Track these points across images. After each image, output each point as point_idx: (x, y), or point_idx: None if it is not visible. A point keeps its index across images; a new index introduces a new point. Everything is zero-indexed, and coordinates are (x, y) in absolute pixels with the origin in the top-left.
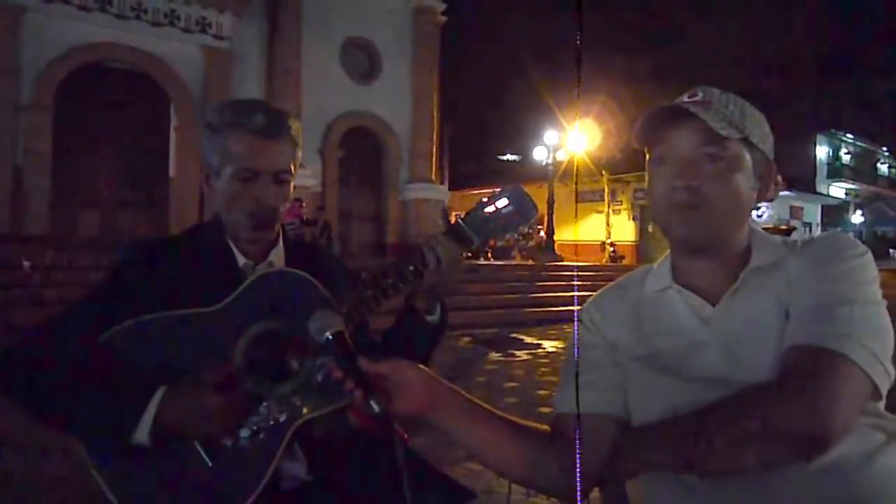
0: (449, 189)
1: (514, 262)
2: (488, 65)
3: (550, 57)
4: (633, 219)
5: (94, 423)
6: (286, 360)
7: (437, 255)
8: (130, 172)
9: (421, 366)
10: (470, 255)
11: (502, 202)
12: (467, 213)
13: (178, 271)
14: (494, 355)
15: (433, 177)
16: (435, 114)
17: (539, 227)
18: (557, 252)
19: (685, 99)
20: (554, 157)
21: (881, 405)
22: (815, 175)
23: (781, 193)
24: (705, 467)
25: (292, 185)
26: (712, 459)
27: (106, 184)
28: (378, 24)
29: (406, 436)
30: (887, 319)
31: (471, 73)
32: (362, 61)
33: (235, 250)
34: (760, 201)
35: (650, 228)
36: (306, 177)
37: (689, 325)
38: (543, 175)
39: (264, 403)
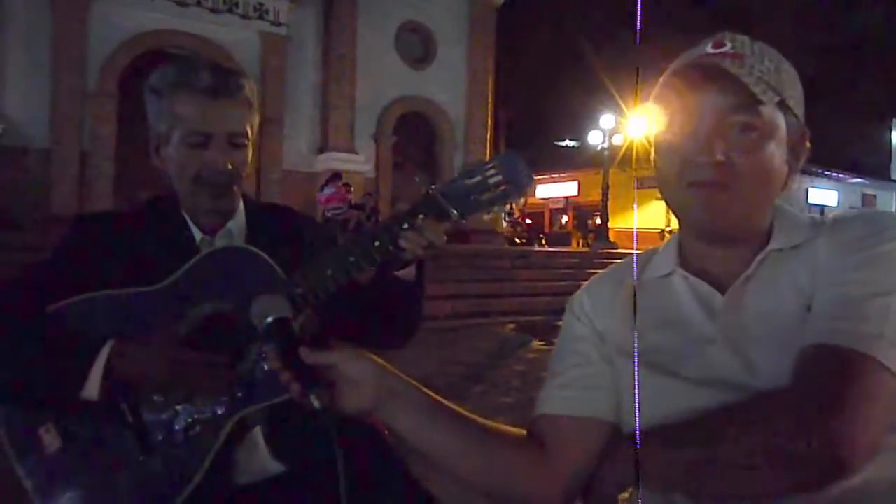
0: None
1: (566, 249)
2: (545, 48)
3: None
4: None
5: (44, 381)
6: (229, 347)
7: (407, 233)
8: None
9: (373, 356)
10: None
11: (490, 171)
12: (447, 183)
13: (132, 246)
14: (537, 343)
15: None
16: (490, 99)
17: (595, 213)
18: (612, 240)
19: (710, 49)
20: (610, 142)
21: None
22: (890, 161)
23: (853, 180)
24: (702, 489)
25: (250, 151)
26: (711, 481)
27: None
28: (433, 9)
29: (385, 430)
30: None
31: (527, 58)
32: (417, 46)
33: (192, 224)
34: (793, 174)
35: None
36: (359, 162)
37: (693, 317)
38: (600, 161)
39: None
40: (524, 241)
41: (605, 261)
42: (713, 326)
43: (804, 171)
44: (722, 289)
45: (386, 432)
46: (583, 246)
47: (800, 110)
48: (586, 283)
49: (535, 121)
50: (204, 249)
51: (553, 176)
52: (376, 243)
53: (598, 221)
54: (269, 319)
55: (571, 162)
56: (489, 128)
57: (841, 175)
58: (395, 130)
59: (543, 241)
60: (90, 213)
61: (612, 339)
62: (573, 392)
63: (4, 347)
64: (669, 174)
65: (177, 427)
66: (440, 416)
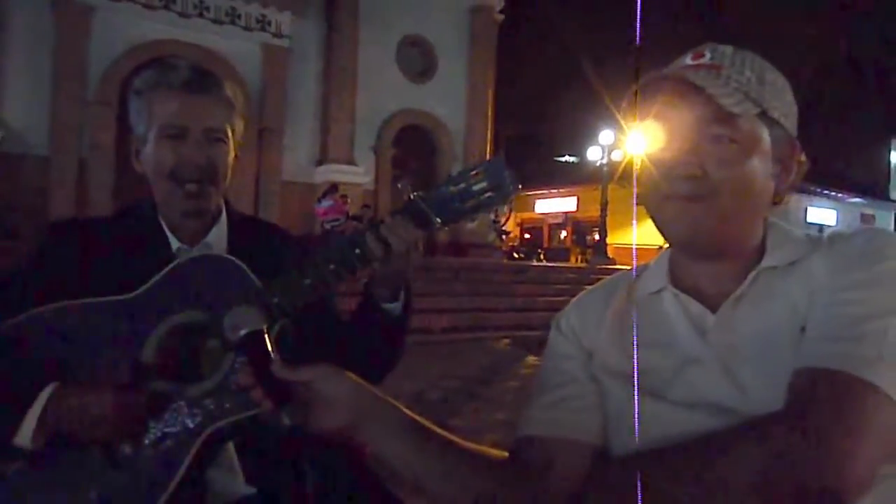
0: None
1: (564, 264)
2: (545, 63)
3: (609, 54)
4: None
5: None
6: (203, 359)
7: (385, 241)
8: None
9: (349, 373)
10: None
11: (476, 179)
12: (430, 190)
13: (106, 254)
14: (532, 359)
15: None
16: (489, 113)
17: (594, 229)
18: (611, 255)
19: (688, 61)
20: (609, 158)
21: None
22: (888, 181)
23: (851, 200)
24: None
25: (232, 152)
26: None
27: None
28: (434, 23)
29: (364, 448)
30: None
31: (527, 72)
32: (418, 60)
33: (168, 232)
34: (782, 189)
35: None
36: (359, 174)
37: (682, 336)
38: (599, 177)
39: (175, 406)
40: (522, 255)
41: (603, 276)
42: (703, 347)
43: (802, 191)
44: (713, 307)
45: (366, 452)
46: (581, 261)
47: (789, 122)
48: (574, 299)
49: (535, 135)
50: (180, 258)
51: (552, 191)
52: (356, 250)
53: (597, 237)
54: (242, 332)
55: (570, 177)
56: (488, 141)
57: (840, 194)
58: (394, 143)
59: (542, 256)
60: (64, 220)
61: (599, 358)
62: (558, 413)
63: None
64: (649, 189)
65: (146, 441)
66: (421, 436)
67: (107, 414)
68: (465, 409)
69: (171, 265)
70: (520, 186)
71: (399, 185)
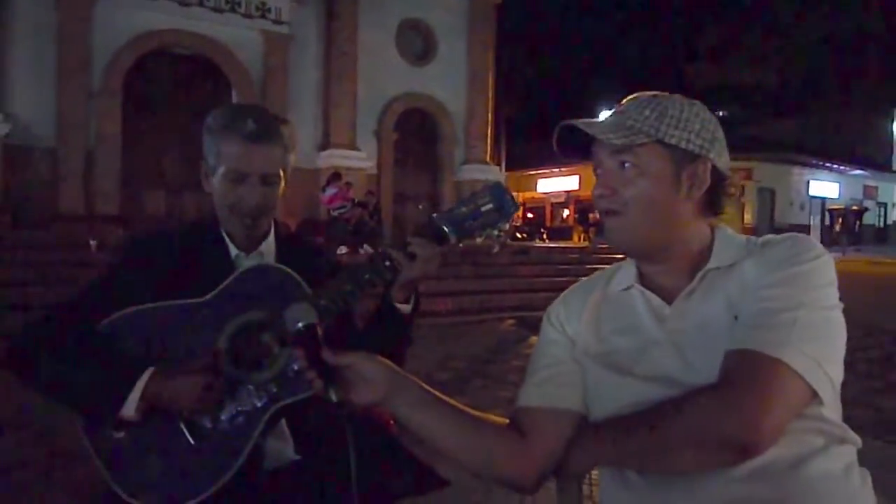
0: (506, 170)
1: (566, 245)
2: (545, 44)
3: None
4: None
5: (90, 397)
6: (265, 350)
7: (412, 254)
8: (194, 155)
9: (381, 358)
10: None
11: (482, 200)
12: (445, 211)
13: (177, 261)
14: (535, 339)
15: (488, 158)
16: (490, 95)
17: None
18: None
19: (609, 111)
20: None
21: (826, 409)
22: (891, 153)
23: (854, 172)
24: (644, 465)
25: (282, 185)
26: (650, 458)
27: (171, 166)
28: (434, 5)
29: (392, 421)
30: (837, 324)
31: (528, 53)
32: (418, 43)
33: (228, 241)
34: (689, 199)
35: None
36: (361, 159)
37: (646, 324)
38: None
39: (244, 389)
40: (525, 235)
41: (605, 255)
42: (661, 332)
43: (805, 164)
44: (670, 300)
45: (392, 422)
46: (584, 240)
47: (694, 145)
48: (562, 294)
49: (536, 116)
50: (239, 264)
51: (554, 170)
52: (387, 262)
53: (599, 216)
54: (300, 325)
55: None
56: (490, 123)
57: (842, 167)
58: (396, 127)
59: (545, 236)
60: (143, 234)
61: (581, 343)
62: (547, 388)
63: (60, 363)
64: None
65: (223, 417)
66: (438, 407)
67: (193, 394)
68: (471, 387)
69: (234, 274)
70: (518, 207)
71: (420, 207)
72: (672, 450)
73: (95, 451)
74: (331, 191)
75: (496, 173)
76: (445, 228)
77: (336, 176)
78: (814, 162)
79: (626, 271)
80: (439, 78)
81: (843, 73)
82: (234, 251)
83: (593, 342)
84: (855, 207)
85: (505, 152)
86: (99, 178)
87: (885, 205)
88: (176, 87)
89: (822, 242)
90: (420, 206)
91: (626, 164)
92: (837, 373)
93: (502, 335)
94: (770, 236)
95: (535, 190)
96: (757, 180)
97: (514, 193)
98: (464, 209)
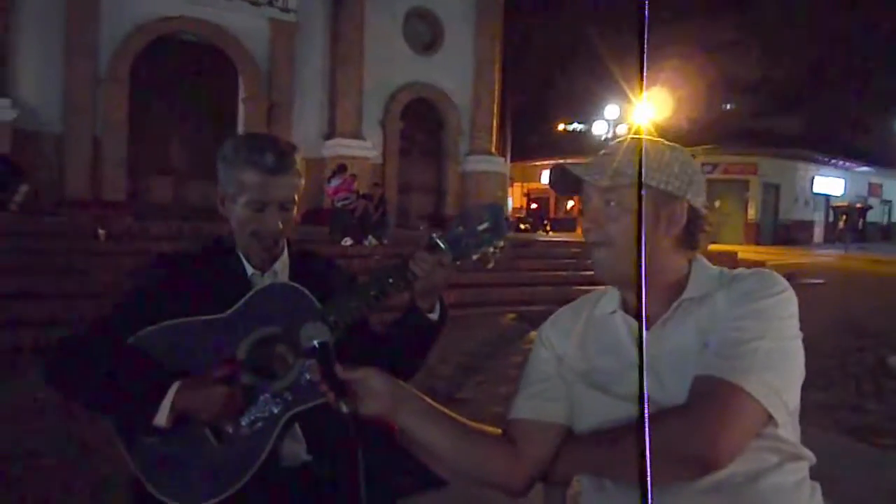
0: (511, 160)
1: (568, 238)
2: (552, 34)
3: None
4: None
5: (125, 408)
6: (281, 361)
7: (413, 272)
8: (200, 142)
9: (386, 374)
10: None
11: (479, 220)
12: (445, 232)
13: (197, 279)
14: (535, 334)
15: (493, 149)
16: (497, 85)
17: None
18: None
19: (600, 153)
20: (614, 132)
21: (782, 430)
22: None
23: (859, 169)
24: (616, 475)
25: (296, 209)
26: (622, 469)
27: (177, 152)
28: None
29: (394, 427)
30: (796, 353)
31: (534, 43)
32: (425, 32)
33: (245, 261)
34: (672, 234)
35: (717, 203)
36: (367, 148)
37: (626, 347)
38: (604, 147)
39: (262, 397)
40: (528, 226)
41: None
42: (638, 355)
43: (810, 160)
44: (649, 326)
45: (396, 430)
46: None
47: (672, 186)
48: (553, 314)
49: (542, 107)
50: (255, 282)
51: (559, 161)
52: (390, 280)
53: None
54: (315, 342)
55: (577, 147)
56: (495, 114)
57: (847, 164)
58: (402, 116)
59: (548, 227)
60: (167, 253)
61: (567, 361)
62: (536, 402)
63: (95, 379)
64: None
65: (243, 422)
66: (438, 419)
67: (216, 404)
68: (470, 382)
69: (251, 291)
70: (510, 228)
71: (421, 228)
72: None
73: (128, 452)
74: (335, 182)
75: (501, 164)
76: (443, 247)
77: (341, 167)
78: (819, 158)
79: (611, 297)
80: (446, 68)
81: (850, 69)
82: (249, 270)
83: (579, 361)
84: (859, 205)
85: (511, 142)
86: (105, 164)
87: (889, 203)
88: (183, 74)
89: (825, 240)
90: (421, 227)
91: (611, 203)
92: (793, 397)
93: (503, 330)
94: (740, 270)
95: (539, 180)
96: (762, 175)
97: (519, 184)
98: (460, 229)
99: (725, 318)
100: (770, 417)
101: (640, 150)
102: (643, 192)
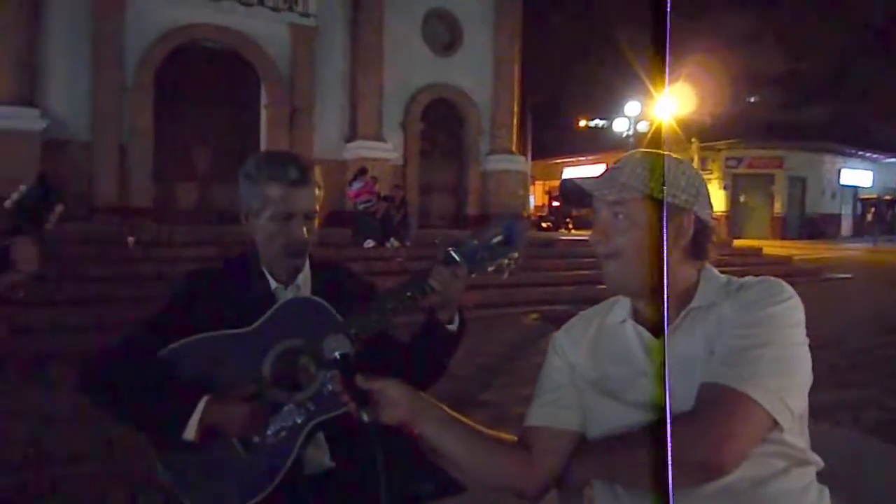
0: (532, 159)
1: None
2: (572, 31)
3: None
4: (725, 188)
5: (156, 422)
6: (304, 373)
7: (430, 286)
8: (224, 148)
9: (405, 384)
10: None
11: (494, 233)
12: (460, 244)
13: (223, 295)
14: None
15: (513, 148)
16: (516, 84)
17: None
18: None
19: (612, 165)
20: (635, 129)
21: (788, 435)
22: None
23: (887, 160)
24: (627, 481)
25: (317, 220)
26: (632, 474)
27: (201, 158)
28: None
29: (415, 434)
30: (802, 360)
31: (554, 40)
32: (443, 33)
33: (269, 276)
34: (681, 245)
35: (742, 198)
36: (387, 150)
37: (636, 355)
38: (627, 144)
39: (286, 407)
40: (550, 224)
41: None
42: (648, 363)
43: (837, 152)
44: (658, 335)
45: (416, 435)
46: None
47: (680, 199)
48: (566, 323)
49: (563, 103)
50: (279, 296)
51: (580, 158)
52: (408, 293)
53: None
54: (337, 354)
55: (598, 144)
56: (515, 113)
57: (876, 155)
58: (422, 118)
59: (570, 225)
60: (195, 271)
61: (580, 369)
62: (550, 410)
63: (127, 393)
64: None
65: (269, 432)
66: (455, 427)
67: (242, 420)
68: (493, 384)
69: (275, 306)
70: (525, 240)
71: (437, 241)
72: (649, 468)
73: (160, 460)
74: (357, 185)
75: (522, 163)
76: (458, 260)
77: (363, 171)
78: (846, 150)
79: (622, 306)
80: (465, 68)
81: (877, 60)
82: (273, 284)
83: (590, 369)
84: (888, 197)
85: (531, 140)
86: (132, 171)
87: None
88: (206, 81)
89: (853, 233)
90: (437, 241)
91: (619, 216)
92: (799, 403)
93: (525, 330)
94: (747, 279)
95: (561, 178)
96: (787, 169)
97: (540, 182)
98: (475, 242)
99: (732, 326)
100: (776, 423)
101: (655, 165)
102: (653, 206)
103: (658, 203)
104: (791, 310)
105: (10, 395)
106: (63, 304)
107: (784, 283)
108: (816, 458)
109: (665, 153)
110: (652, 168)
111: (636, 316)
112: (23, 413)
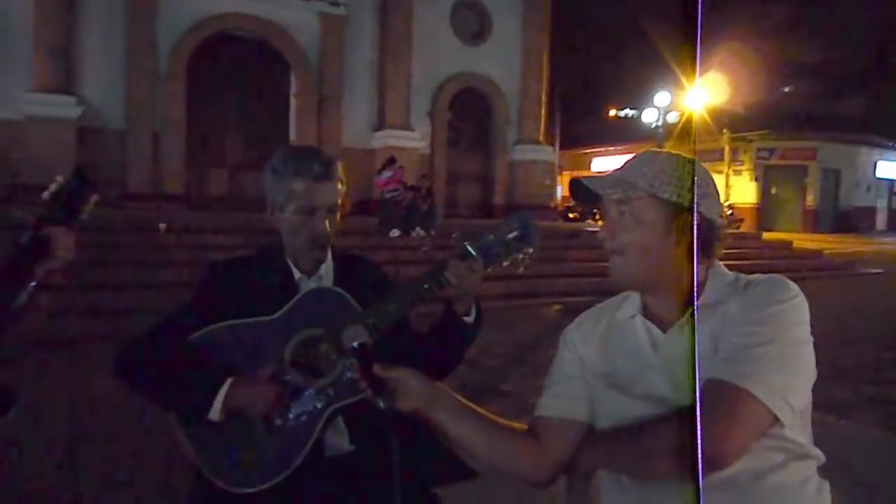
0: (560, 149)
1: None
2: (602, 19)
3: (668, 6)
4: (756, 179)
5: (183, 403)
6: (325, 360)
7: (447, 279)
8: (254, 136)
9: (420, 373)
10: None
11: (509, 229)
12: (476, 239)
13: (249, 284)
14: None
15: (541, 138)
16: (545, 73)
17: None
18: None
19: (612, 168)
20: (664, 120)
21: (789, 430)
22: None
23: None
24: (632, 470)
25: (339, 215)
26: (637, 465)
27: (232, 146)
28: None
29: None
30: (804, 358)
31: (583, 29)
32: (472, 22)
33: (293, 266)
34: (675, 246)
35: (773, 190)
36: (415, 139)
37: (644, 350)
38: (654, 135)
39: (307, 393)
40: (577, 215)
41: None
42: (656, 357)
43: (873, 144)
44: (665, 329)
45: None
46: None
47: (682, 199)
48: (577, 318)
49: (590, 94)
50: (302, 286)
51: (608, 149)
52: (425, 286)
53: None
54: (356, 343)
55: (627, 135)
56: (543, 103)
57: None
58: (449, 107)
59: (597, 216)
60: (221, 261)
61: (589, 363)
62: (560, 401)
63: (157, 375)
64: None
65: (290, 416)
66: (468, 415)
67: (264, 401)
68: (514, 374)
69: (298, 295)
70: (539, 236)
71: (454, 237)
72: (654, 459)
73: (188, 441)
74: (386, 174)
75: (549, 153)
76: (474, 254)
77: (392, 160)
78: (884, 142)
79: (632, 302)
80: (493, 58)
81: None
82: (297, 274)
83: (600, 363)
84: None
85: (559, 131)
86: (165, 158)
87: None
88: (237, 70)
89: (888, 227)
90: (454, 235)
91: (625, 214)
92: (800, 400)
93: (548, 321)
94: (755, 277)
95: (589, 168)
96: (821, 161)
97: (568, 172)
98: (491, 237)
99: (736, 323)
100: (776, 419)
101: (661, 164)
102: (657, 204)
103: (663, 202)
104: (796, 308)
105: (48, 377)
106: (95, 289)
107: (789, 282)
108: (818, 452)
109: (673, 153)
110: (658, 167)
111: (645, 311)
112: (58, 395)
